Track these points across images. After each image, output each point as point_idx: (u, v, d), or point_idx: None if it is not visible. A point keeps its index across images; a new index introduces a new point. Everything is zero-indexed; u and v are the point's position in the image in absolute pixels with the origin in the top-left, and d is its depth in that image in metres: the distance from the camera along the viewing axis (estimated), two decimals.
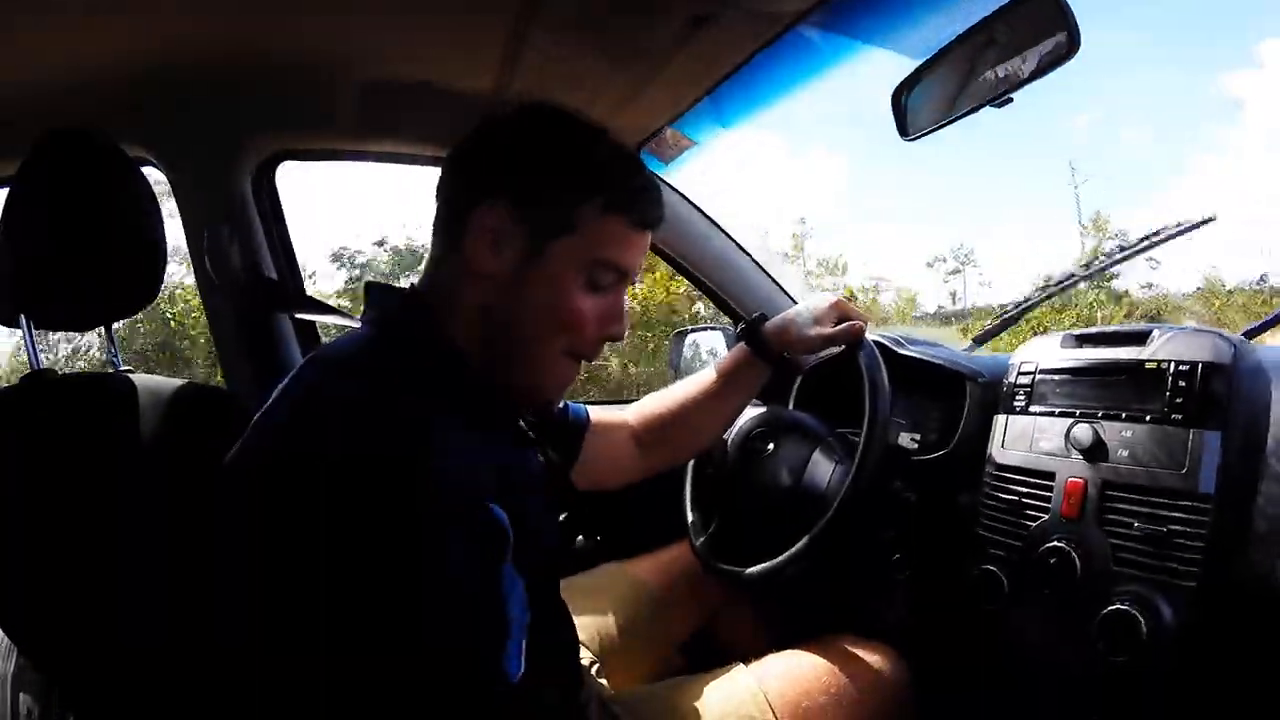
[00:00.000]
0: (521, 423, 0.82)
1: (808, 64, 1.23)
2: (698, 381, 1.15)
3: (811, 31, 1.13)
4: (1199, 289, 14.05)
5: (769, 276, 1.68)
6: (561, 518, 1.53)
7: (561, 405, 1.05)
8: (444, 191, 0.74)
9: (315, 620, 0.53)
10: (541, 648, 0.62)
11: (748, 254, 1.67)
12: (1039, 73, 0.86)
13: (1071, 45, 0.81)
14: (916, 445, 1.34)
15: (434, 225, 0.75)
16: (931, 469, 1.27)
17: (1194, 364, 0.96)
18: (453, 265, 0.71)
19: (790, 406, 1.52)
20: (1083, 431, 1.03)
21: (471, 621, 0.55)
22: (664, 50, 1.07)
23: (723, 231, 1.66)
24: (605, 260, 0.71)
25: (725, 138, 1.53)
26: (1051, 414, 1.10)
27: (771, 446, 1.20)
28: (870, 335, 1.38)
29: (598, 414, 1.11)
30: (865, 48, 1.14)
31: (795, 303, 1.67)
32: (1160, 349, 1.01)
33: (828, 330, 1.09)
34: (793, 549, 1.05)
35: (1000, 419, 1.18)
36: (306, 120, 1.30)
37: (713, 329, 1.69)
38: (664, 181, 1.58)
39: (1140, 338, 1.04)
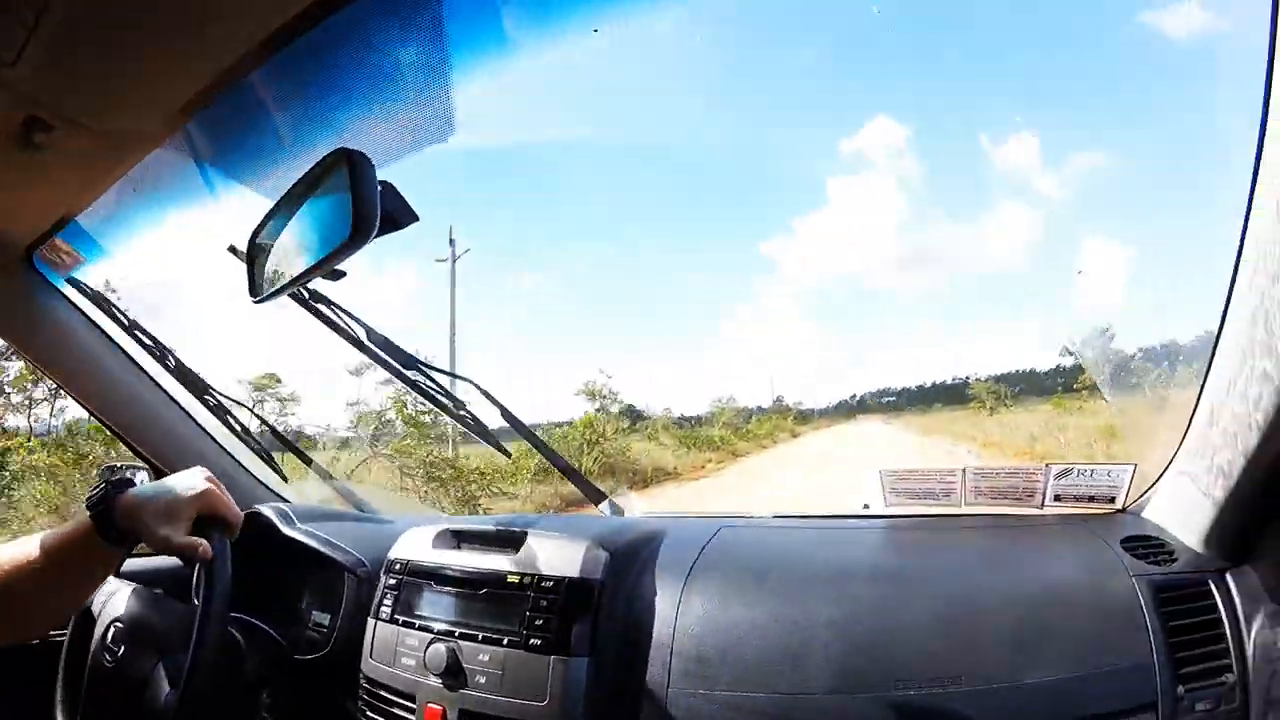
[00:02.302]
0: None
1: (180, 190, 1.03)
2: (24, 551, 0.89)
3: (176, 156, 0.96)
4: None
5: (195, 422, 1.35)
6: None
7: None
8: None
9: None
10: None
11: (163, 390, 1.32)
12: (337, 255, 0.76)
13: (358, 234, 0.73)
14: (321, 633, 1.13)
15: None
16: (312, 672, 1.08)
17: (558, 581, 0.90)
18: None
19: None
20: (437, 653, 0.91)
21: None
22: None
23: (134, 363, 1.30)
24: None
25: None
26: (412, 626, 0.97)
27: (123, 650, 0.96)
28: (265, 507, 1.16)
29: None
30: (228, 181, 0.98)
31: (226, 451, 1.39)
32: (528, 558, 0.94)
33: (177, 537, 0.86)
34: None
35: (370, 624, 1.03)
36: None
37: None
38: (66, 298, 1.25)
39: (515, 542, 0.97)
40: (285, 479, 1.48)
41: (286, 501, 1.40)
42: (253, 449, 1.37)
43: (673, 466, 14.63)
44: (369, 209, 0.74)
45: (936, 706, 0.79)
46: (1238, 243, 0.72)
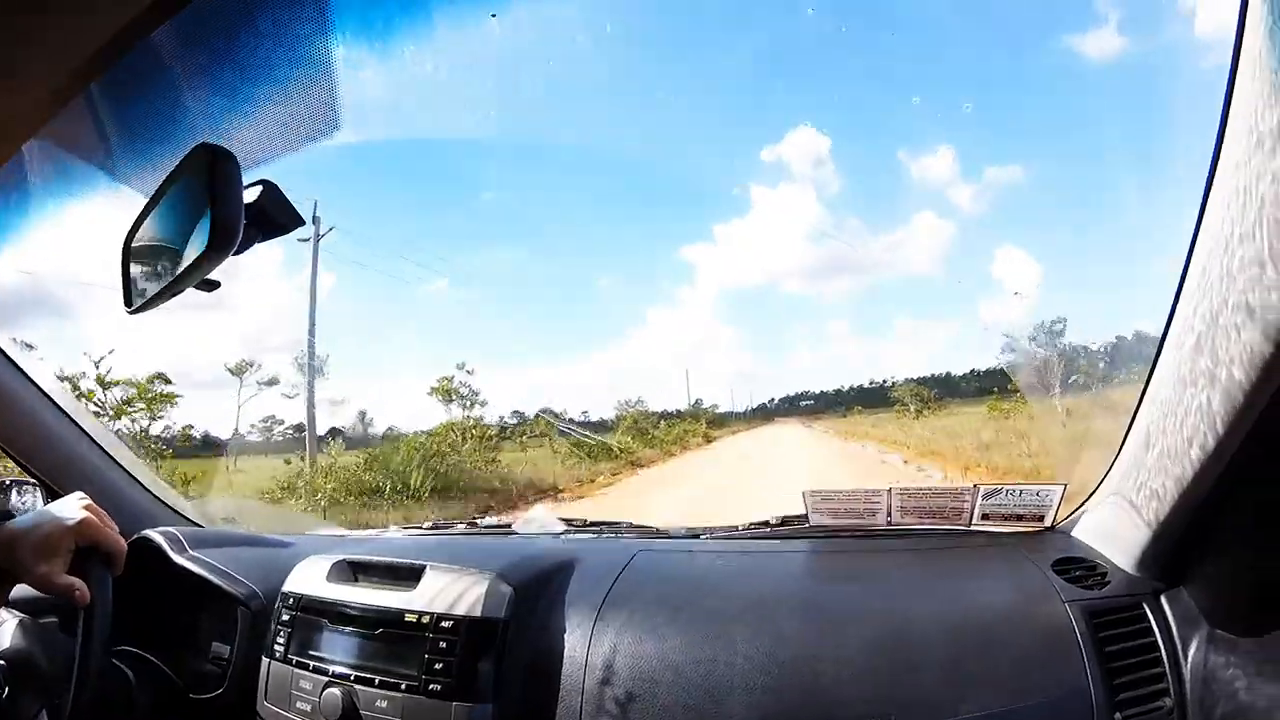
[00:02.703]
0: None
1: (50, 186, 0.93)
2: None
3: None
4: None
5: (87, 435, 1.24)
6: None
7: None
8: None
9: None
10: None
11: (51, 400, 1.20)
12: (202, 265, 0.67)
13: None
14: (221, 666, 1.04)
15: None
16: (209, 712, 0.99)
17: (458, 621, 0.83)
18: None
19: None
20: (332, 698, 0.84)
21: None
22: None
23: (18, 369, 1.18)
24: None
25: None
26: (307, 668, 0.90)
27: (5, 691, 0.86)
28: (154, 533, 1.07)
29: None
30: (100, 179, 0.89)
31: (121, 465, 1.28)
32: (427, 595, 0.87)
33: (56, 576, 0.83)
34: None
35: (265, 663, 0.95)
36: None
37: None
38: None
39: (413, 576, 0.90)
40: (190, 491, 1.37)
41: (186, 521, 1.30)
42: (150, 463, 1.26)
43: (551, 483, 12.21)
44: (232, 214, 0.66)
45: None
46: (1181, 270, 0.70)
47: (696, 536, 1.18)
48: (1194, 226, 0.67)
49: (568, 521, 1.26)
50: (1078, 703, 0.77)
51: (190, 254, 0.68)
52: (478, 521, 1.33)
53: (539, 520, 1.22)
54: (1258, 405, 0.59)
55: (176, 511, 1.32)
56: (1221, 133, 0.60)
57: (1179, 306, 0.71)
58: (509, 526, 1.27)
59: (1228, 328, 0.60)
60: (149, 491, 1.30)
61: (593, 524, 1.26)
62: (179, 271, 0.70)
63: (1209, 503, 0.72)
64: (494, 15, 0.69)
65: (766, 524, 1.19)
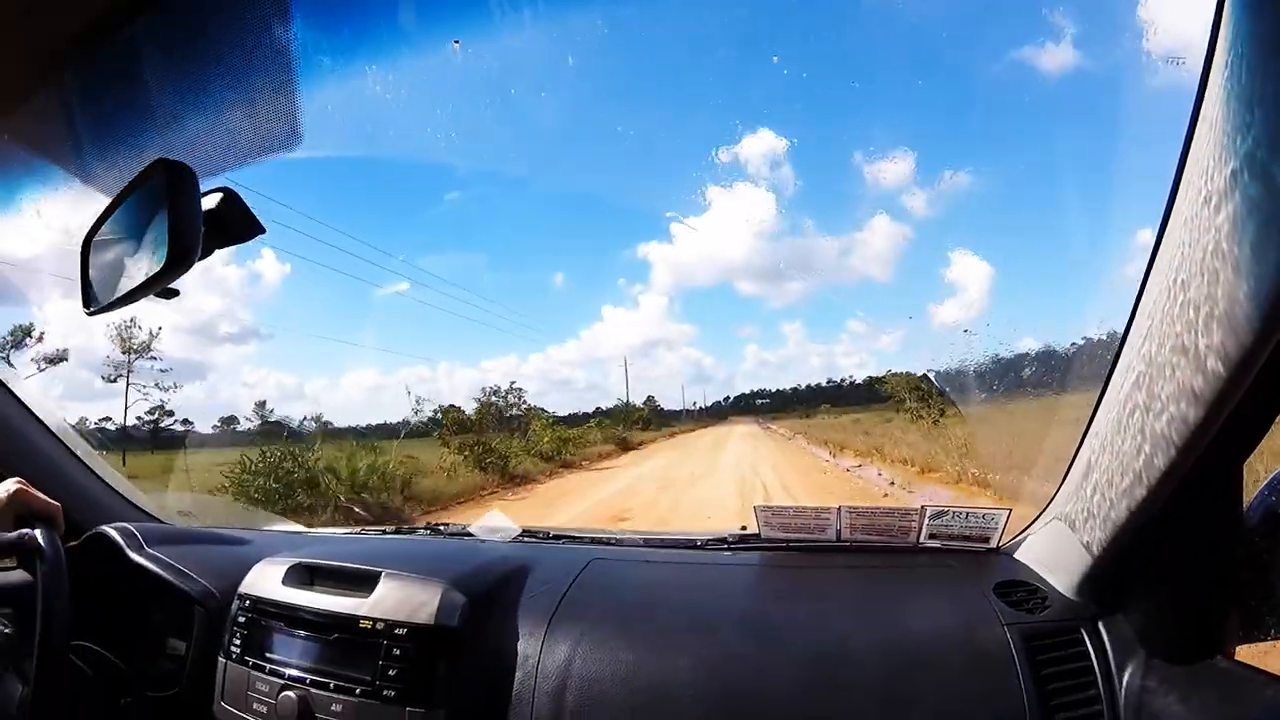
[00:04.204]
0: None
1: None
2: None
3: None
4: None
5: (44, 426, 1.22)
6: None
7: None
8: None
9: None
10: None
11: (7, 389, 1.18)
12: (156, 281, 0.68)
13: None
14: (178, 663, 1.04)
15: None
16: (166, 711, 1.00)
17: (412, 629, 0.85)
18: None
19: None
20: (288, 701, 0.86)
21: None
22: None
23: None
24: None
25: None
26: (263, 670, 0.91)
27: None
28: (111, 528, 1.07)
29: None
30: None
31: (78, 458, 1.26)
32: (382, 602, 0.89)
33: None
34: None
35: (221, 663, 0.96)
36: None
37: None
38: None
39: (369, 581, 0.91)
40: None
41: (143, 515, 1.29)
42: (107, 457, 1.25)
43: (399, 504, 9.79)
44: (189, 231, 0.67)
45: None
46: (1130, 309, 0.73)
47: (651, 546, 1.20)
48: (1144, 272, 0.70)
49: (525, 528, 1.28)
50: None
51: (150, 267, 0.69)
52: (436, 526, 1.34)
53: (496, 525, 1.24)
54: (1194, 448, 0.61)
55: (133, 505, 1.31)
56: (1175, 186, 0.63)
57: (1126, 343, 0.73)
58: (466, 529, 1.29)
59: (1164, 367, 0.62)
60: (106, 484, 1.29)
61: (553, 532, 1.28)
62: (138, 283, 0.71)
63: (1144, 534, 0.75)
64: (457, 42, 0.70)
65: (723, 540, 1.21)
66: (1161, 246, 0.66)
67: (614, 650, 0.86)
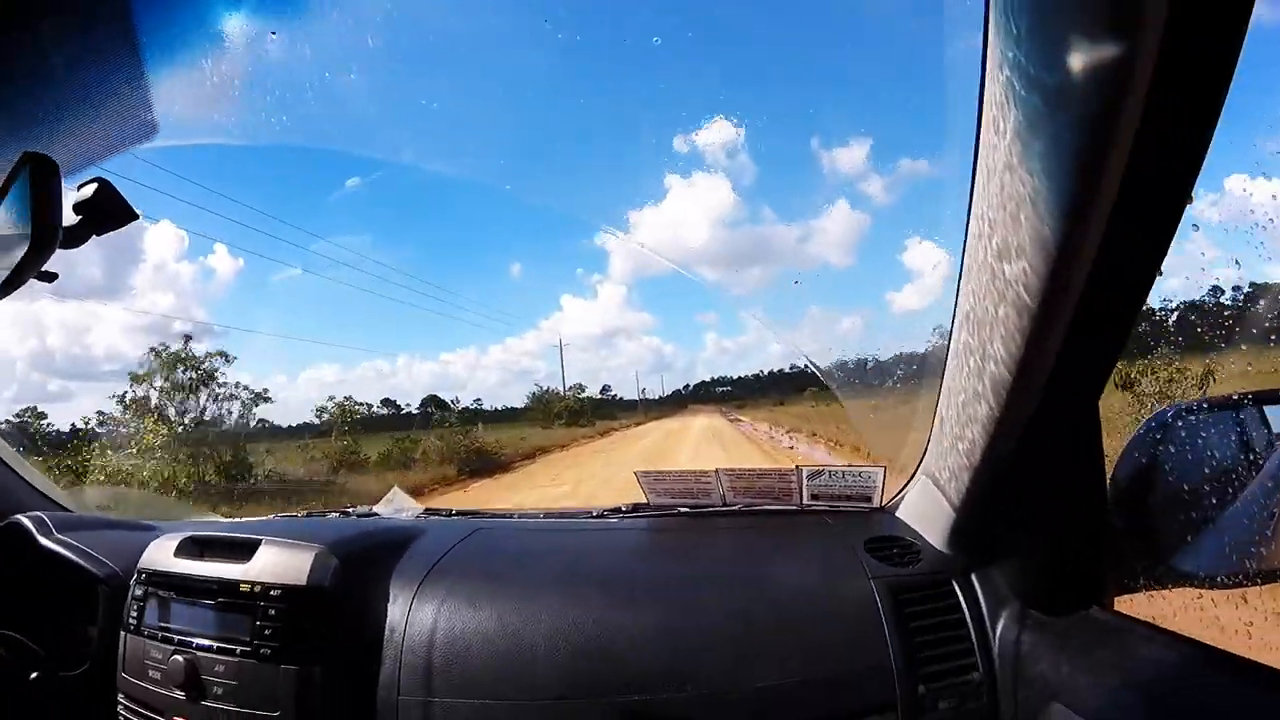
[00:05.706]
0: None
1: None
2: None
3: None
4: None
5: None
6: None
7: None
8: None
9: None
10: None
11: None
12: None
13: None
14: (89, 646, 1.10)
15: None
16: (78, 689, 1.06)
17: (285, 589, 0.91)
18: None
19: None
20: (176, 665, 0.92)
21: None
22: None
23: None
24: None
25: None
26: (156, 638, 0.97)
27: None
28: (24, 517, 1.13)
29: None
30: None
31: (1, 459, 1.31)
32: (259, 567, 0.95)
33: None
34: None
35: (123, 637, 1.02)
36: None
37: None
38: None
39: (250, 549, 0.97)
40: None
41: (57, 506, 1.35)
42: (22, 449, 1.30)
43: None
44: (51, 215, 0.73)
45: (664, 713, 0.81)
46: (961, 246, 0.71)
47: (549, 519, 1.26)
48: (965, 211, 0.68)
49: (428, 507, 1.35)
50: (879, 676, 0.81)
51: (16, 253, 0.75)
52: (346, 509, 1.42)
53: (401, 504, 1.31)
54: (1028, 388, 0.60)
55: (48, 497, 1.36)
56: (979, 120, 0.60)
57: (961, 289, 0.72)
58: (373, 510, 1.37)
59: (986, 308, 0.62)
60: (22, 478, 1.34)
61: (455, 510, 1.35)
62: (11, 270, 0.77)
63: (1003, 485, 0.76)
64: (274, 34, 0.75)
65: (618, 510, 1.26)
66: (975, 182, 0.64)
67: (478, 608, 0.91)
